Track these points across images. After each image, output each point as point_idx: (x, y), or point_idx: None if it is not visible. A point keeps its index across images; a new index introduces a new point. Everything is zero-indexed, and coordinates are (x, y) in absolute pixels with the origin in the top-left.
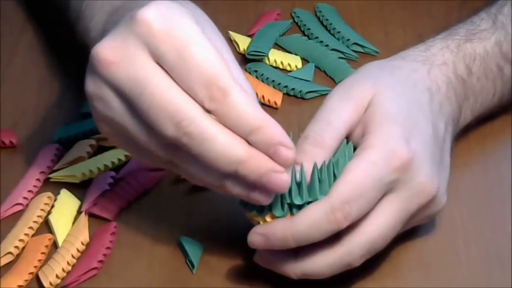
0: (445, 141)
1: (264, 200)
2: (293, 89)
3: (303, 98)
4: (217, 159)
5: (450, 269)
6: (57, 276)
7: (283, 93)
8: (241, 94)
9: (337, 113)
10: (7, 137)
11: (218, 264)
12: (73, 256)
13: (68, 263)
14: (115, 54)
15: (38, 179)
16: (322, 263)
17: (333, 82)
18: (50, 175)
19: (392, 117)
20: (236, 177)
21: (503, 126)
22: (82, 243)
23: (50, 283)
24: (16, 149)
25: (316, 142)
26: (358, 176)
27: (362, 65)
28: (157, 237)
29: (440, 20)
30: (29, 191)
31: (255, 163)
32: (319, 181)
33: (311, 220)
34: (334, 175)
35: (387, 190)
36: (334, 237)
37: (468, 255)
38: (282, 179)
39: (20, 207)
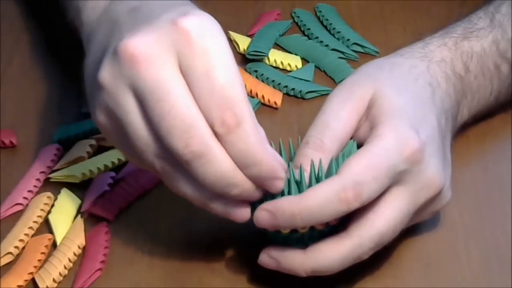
0: (446, 137)
1: (245, 217)
2: (293, 89)
3: (303, 98)
4: (215, 182)
5: (450, 269)
6: (54, 280)
7: (283, 93)
8: (252, 127)
9: (335, 115)
10: (7, 137)
11: (218, 264)
12: (70, 260)
13: (65, 267)
14: (145, 52)
15: (38, 179)
16: (332, 257)
17: (333, 82)
18: (50, 175)
19: (399, 110)
20: (224, 197)
21: (503, 125)
22: (79, 247)
23: (47, 287)
24: (16, 149)
25: (316, 146)
26: (373, 159)
27: (362, 65)
28: (157, 237)
29: (440, 20)
30: (29, 191)
31: (250, 187)
32: (316, 180)
33: (321, 197)
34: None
35: (396, 180)
36: (343, 231)
37: (468, 255)
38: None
39: (20, 207)
